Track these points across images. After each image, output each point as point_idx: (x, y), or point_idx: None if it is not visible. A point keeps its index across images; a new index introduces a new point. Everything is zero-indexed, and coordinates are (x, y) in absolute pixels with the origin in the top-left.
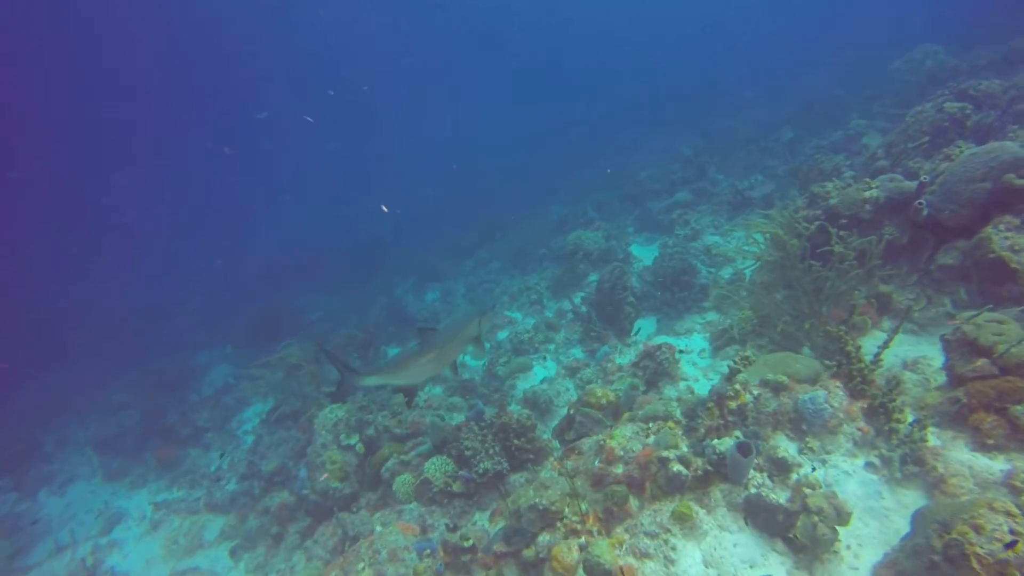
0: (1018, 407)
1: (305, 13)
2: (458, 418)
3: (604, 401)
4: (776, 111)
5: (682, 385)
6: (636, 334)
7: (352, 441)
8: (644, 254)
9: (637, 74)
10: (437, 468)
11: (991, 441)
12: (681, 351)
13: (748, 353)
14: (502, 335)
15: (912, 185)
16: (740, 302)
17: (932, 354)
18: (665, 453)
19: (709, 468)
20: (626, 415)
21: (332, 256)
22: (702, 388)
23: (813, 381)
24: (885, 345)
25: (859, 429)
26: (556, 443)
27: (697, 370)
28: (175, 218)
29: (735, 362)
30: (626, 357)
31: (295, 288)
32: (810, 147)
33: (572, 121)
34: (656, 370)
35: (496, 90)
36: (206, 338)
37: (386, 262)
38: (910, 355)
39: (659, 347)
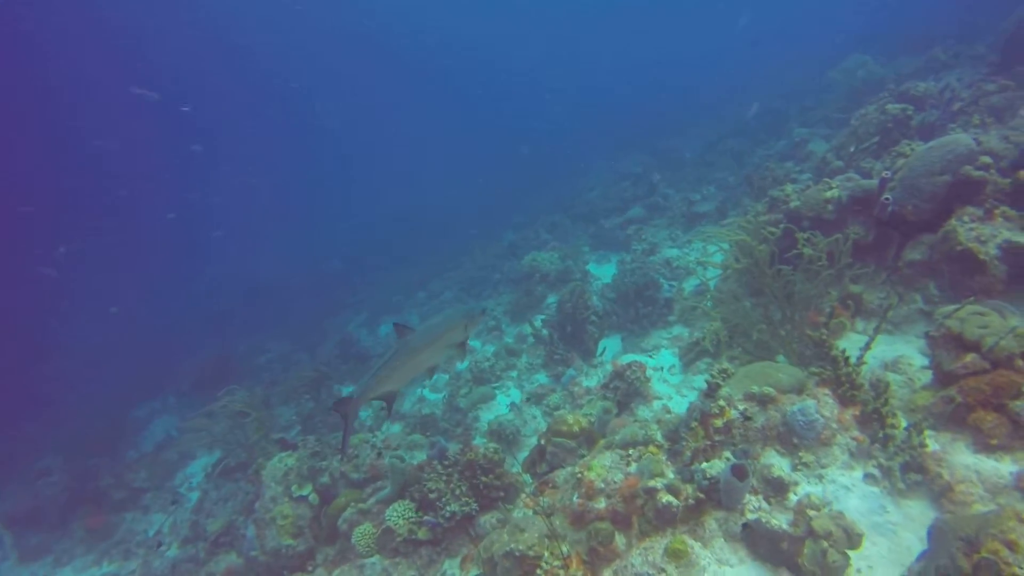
0: (1017, 402)
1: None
2: (420, 456)
3: (576, 428)
4: (718, 127)
5: (656, 404)
6: (602, 354)
7: (305, 492)
8: (602, 272)
9: (580, 102)
10: (399, 515)
11: (994, 441)
12: (653, 369)
13: (726, 365)
14: (461, 366)
15: (873, 183)
16: (709, 313)
17: (909, 353)
18: (651, 483)
19: (701, 495)
20: (602, 442)
21: (278, 295)
22: (678, 406)
23: (798, 390)
24: (867, 347)
25: (854, 438)
26: (527, 477)
27: (669, 387)
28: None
29: (713, 376)
30: (593, 379)
31: (241, 331)
32: (756, 157)
33: (517, 150)
34: (627, 391)
35: (442, 123)
36: (145, 389)
37: (337, 298)
38: (888, 355)
39: (628, 366)
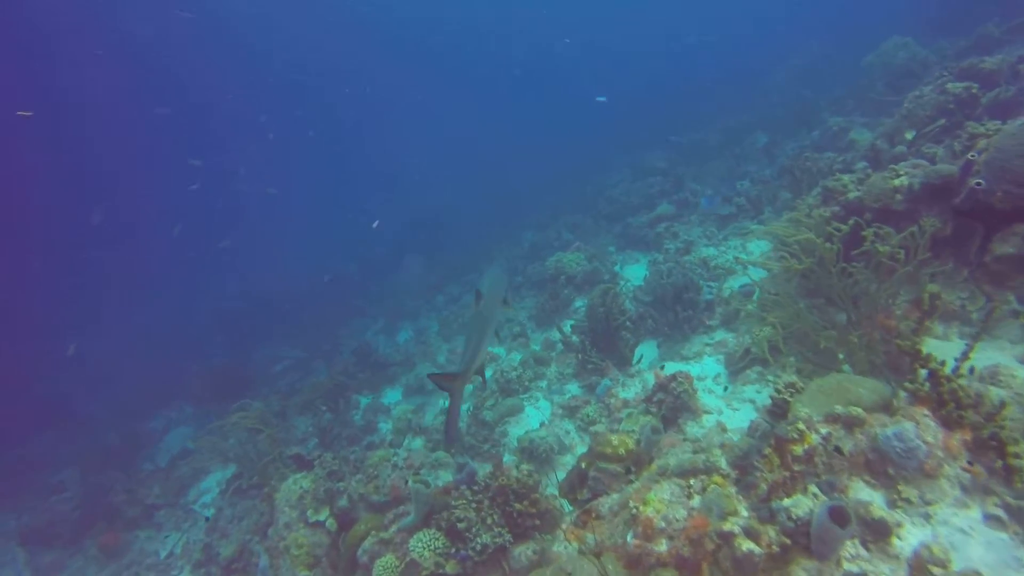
0: None
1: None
2: (445, 477)
3: (622, 450)
4: (744, 118)
5: (707, 420)
6: (638, 362)
7: (321, 517)
8: (631, 273)
9: (595, 95)
10: (425, 546)
11: None
12: (697, 378)
13: (792, 378)
14: (487, 374)
15: (949, 168)
16: (761, 317)
17: (1008, 362)
18: (725, 525)
19: (786, 540)
20: (654, 467)
21: (293, 301)
22: (732, 420)
23: (886, 409)
24: (965, 357)
25: (966, 470)
26: (566, 503)
27: (718, 399)
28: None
29: (779, 391)
30: (630, 390)
31: (256, 339)
32: (788, 149)
33: (532, 146)
34: (673, 404)
35: (452, 120)
36: (161, 398)
37: (352, 304)
38: (982, 365)
39: (673, 377)
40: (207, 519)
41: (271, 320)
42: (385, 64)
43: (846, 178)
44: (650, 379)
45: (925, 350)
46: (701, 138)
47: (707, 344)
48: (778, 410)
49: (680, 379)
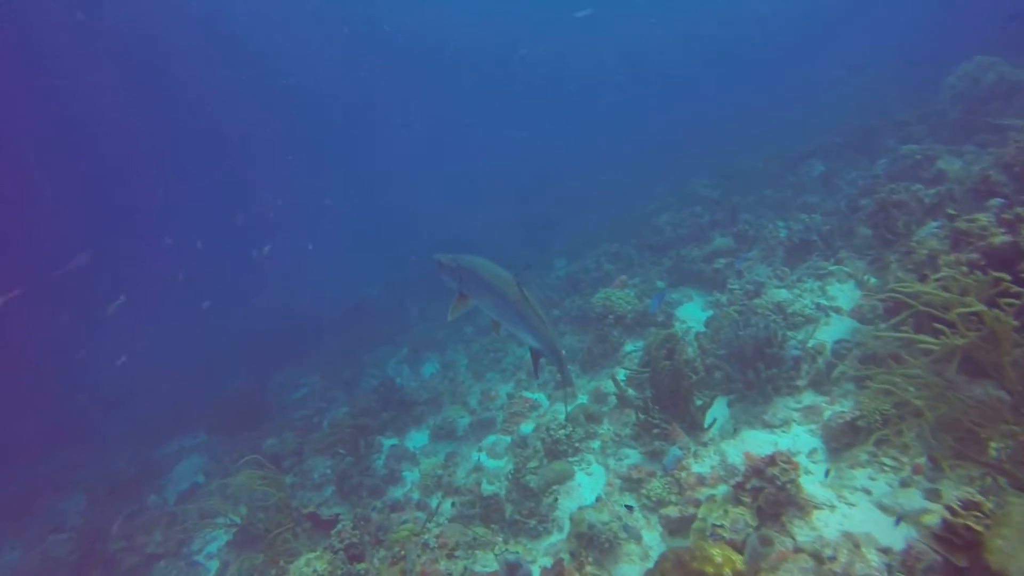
0: None
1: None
2: (485, 560)
3: (728, 571)
4: (797, 145)
5: (819, 518)
6: (710, 427)
7: None
8: (687, 314)
9: (630, 117)
10: None
11: None
12: (790, 454)
13: (977, 497)
14: (527, 428)
15: None
16: (897, 389)
17: None
18: None
19: None
20: None
21: (312, 324)
22: (851, 521)
23: None
24: None
25: None
26: None
27: (823, 488)
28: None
29: (958, 513)
30: (705, 463)
31: (273, 363)
32: (849, 179)
33: (559, 168)
34: (775, 497)
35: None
36: (178, 422)
37: (375, 329)
38: None
39: (773, 460)
40: None
41: (295, 341)
42: (428, 87)
43: (984, 217)
44: (729, 450)
45: None
46: (748, 165)
47: (794, 409)
48: (957, 540)
49: (783, 464)
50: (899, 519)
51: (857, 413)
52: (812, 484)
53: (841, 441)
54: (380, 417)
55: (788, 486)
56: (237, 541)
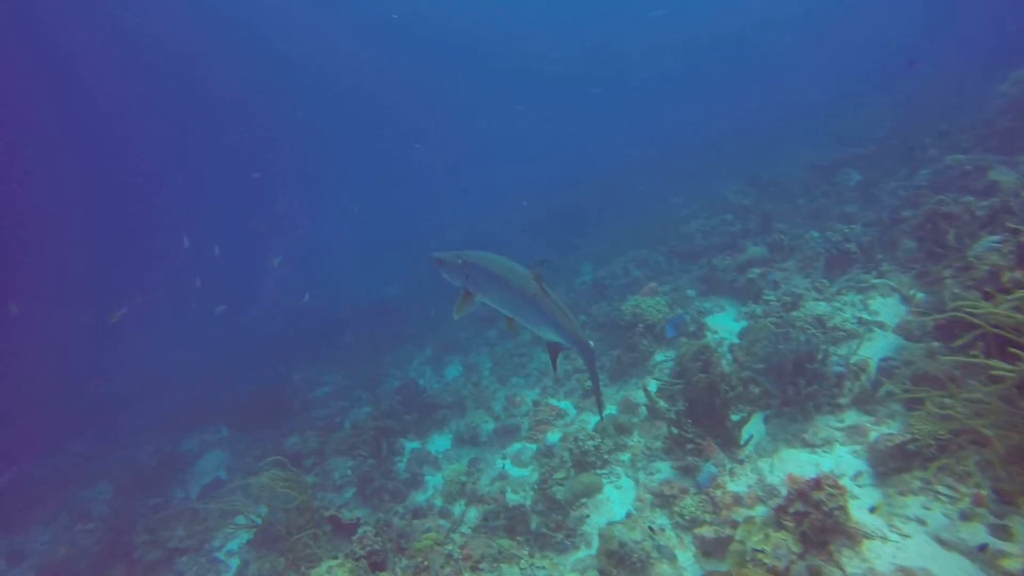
0: None
1: None
2: (509, 574)
3: None
4: (830, 152)
5: (870, 550)
6: (746, 444)
7: None
8: (719, 324)
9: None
10: None
11: None
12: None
13: None
14: (553, 436)
15: None
16: (958, 415)
17: None
18: None
19: None
20: None
21: (335, 321)
22: (904, 555)
23: None
24: None
25: None
26: None
27: (875, 517)
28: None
29: None
30: (741, 481)
31: (296, 360)
32: (889, 189)
33: (583, 172)
34: (821, 524)
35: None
36: (201, 415)
37: (397, 329)
38: None
39: (818, 484)
40: None
41: (317, 338)
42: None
43: None
44: (767, 469)
45: None
46: (780, 173)
47: (837, 429)
48: None
49: (830, 488)
50: (981, 547)
51: (908, 436)
52: (859, 509)
53: (890, 465)
54: (403, 419)
55: (836, 513)
56: (258, 540)
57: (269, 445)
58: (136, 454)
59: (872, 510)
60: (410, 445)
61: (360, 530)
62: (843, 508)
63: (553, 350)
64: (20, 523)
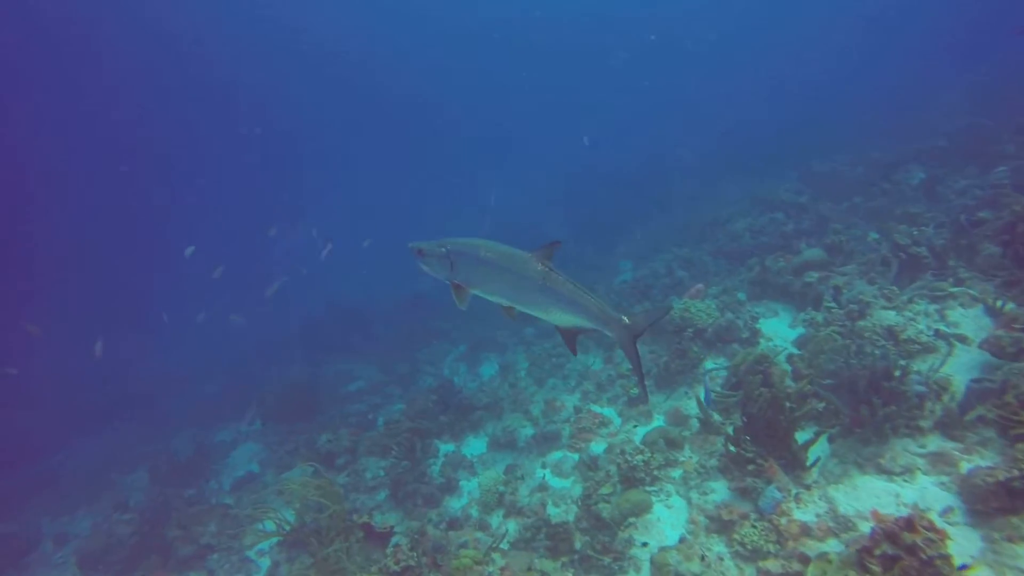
0: None
1: None
2: None
3: None
4: (894, 147)
5: None
6: (812, 466)
7: None
8: (772, 330)
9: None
10: None
11: None
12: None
13: None
14: (598, 447)
15: None
16: None
17: None
18: None
19: None
20: None
21: (369, 317)
22: None
23: None
24: None
25: None
26: None
27: (982, 566)
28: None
29: None
30: (809, 509)
31: (329, 354)
32: (956, 189)
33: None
34: (917, 573)
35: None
36: (236, 407)
37: (430, 325)
38: None
39: (911, 525)
40: None
41: (350, 333)
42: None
43: None
44: (839, 497)
45: None
46: (833, 169)
47: (918, 455)
48: None
49: (926, 532)
50: None
51: (1017, 473)
52: (969, 558)
53: (990, 505)
54: (438, 420)
55: (938, 562)
56: (288, 540)
57: (302, 441)
58: (174, 441)
59: (964, 568)
60: (444, 448)
61: (394, 540)
62: (946, 558)
63: (568, 336)
64: (67, 505)
